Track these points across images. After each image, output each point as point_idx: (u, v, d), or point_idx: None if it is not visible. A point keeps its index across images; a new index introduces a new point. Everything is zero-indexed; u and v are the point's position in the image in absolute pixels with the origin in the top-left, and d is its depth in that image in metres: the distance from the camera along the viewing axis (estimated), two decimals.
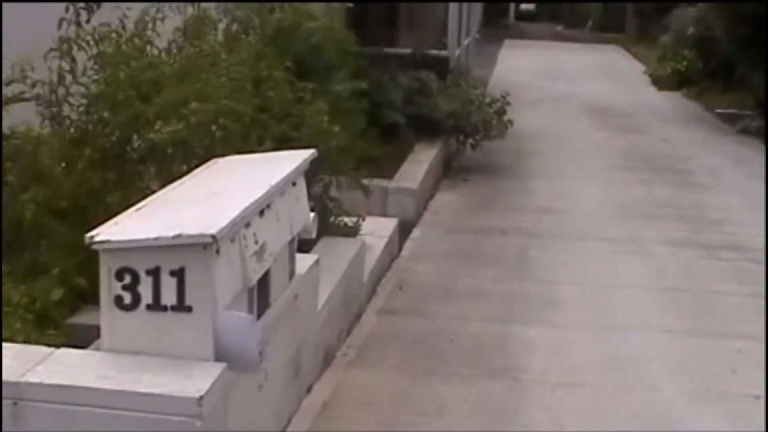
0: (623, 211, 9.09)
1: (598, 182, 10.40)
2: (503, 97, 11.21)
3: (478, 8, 26.37)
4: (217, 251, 3.04)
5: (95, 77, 4.32)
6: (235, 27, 5.34)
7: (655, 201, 9.55)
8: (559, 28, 47.01)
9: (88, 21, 4.33)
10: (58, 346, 3.16)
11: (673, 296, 6.58)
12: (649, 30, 31.26)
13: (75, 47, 4.26)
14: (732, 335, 5.82)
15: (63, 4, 4.32)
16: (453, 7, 11.99)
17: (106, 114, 4.27)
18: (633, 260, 7.42)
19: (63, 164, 4.16)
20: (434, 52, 11.69)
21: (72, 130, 4.28)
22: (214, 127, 4.22)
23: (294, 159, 4.11)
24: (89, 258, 3.20)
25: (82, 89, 4.36)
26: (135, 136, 4.16)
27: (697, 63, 19.80)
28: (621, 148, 12.70)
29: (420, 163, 9.32)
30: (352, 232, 6.27)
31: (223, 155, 4.23)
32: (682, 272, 7.15)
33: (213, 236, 2.96)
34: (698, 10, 18.97)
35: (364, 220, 6.50)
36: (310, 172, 5.43)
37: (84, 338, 3.49)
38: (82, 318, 3.94)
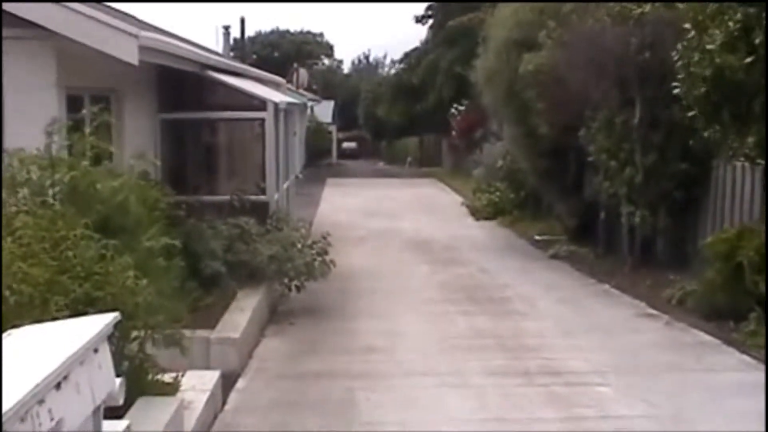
0: (446, 344, 9.29)
1: (422, 317, 10.63)
2: (324, 237, 11.39)
3: (299, 149, 27.02)
4: None
5: None
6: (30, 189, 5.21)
7: (476, 332, 9.84)
8: (381, 164, 48.90)
9: None
10: None
11: (495, 427, 6.71)
12: (464, 163, 33.05)
13: None
14: None
15: None
16: (270, 151, 12.21)
17: None
18: (456, 394, 7.55)
19: None
20: (253, 197, 11.78)
21: None
22: (7, 293, 4.04)
23: (95, 324, 3.96)
24: None
25: None
26: None
27: (508, 193, 21.00)
28: (442, 282, 13.10)
29: (243, 311, 9.22)
30: (171, 389, 6.06)
31: (20, 325, 4.05)
32: (502, 402, 7.32)
33: None
34: (504, 144, 20.24)
35: (183, 375, 6.32)
36: (123, 331, 5.29)
37: None
38: None
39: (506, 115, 16.84)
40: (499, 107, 17.15)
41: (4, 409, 2.83)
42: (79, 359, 3.62)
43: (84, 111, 7.48)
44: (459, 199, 25.33)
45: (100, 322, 4.02)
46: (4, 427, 2.83)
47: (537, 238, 17.01)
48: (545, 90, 13.59)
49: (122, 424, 4.54)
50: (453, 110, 33.03)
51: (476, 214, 21.69)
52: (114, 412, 4.35)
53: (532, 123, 14.69)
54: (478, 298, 11.81)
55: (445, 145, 40.45)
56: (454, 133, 33.59)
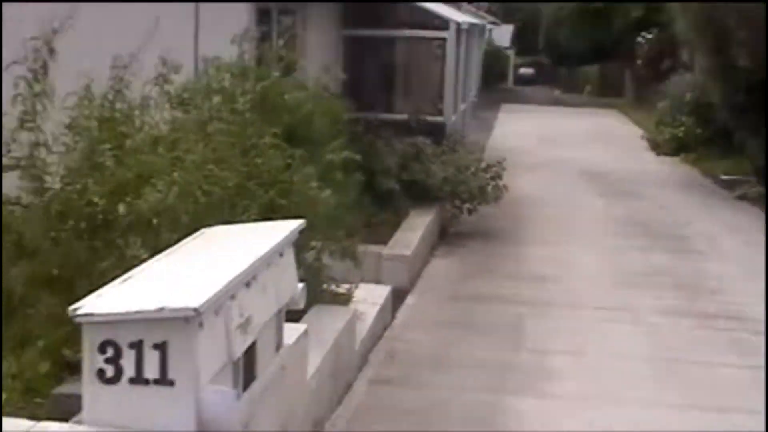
0: (619, 278, 9.04)
1: (595, 249, 10.37)
2: (499, 162, 11.25)
3: (476, 73, 26.70)
4: (201, 324, 3.01)
5: (71, 146, 4.30)
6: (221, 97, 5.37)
7: (651, 269, 9.50)
8: (557, 92, 47.49)
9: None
10: (42, 418, 3.12)
11: (669, 368, 6.49)
12: (647, 95, 31.62)
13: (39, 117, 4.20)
14: (730, 410, 5.71)
15: None
16: (449, 73, 12.12)
17: (88, 183, 4.23)
18: (628, 330, 7.35)
19: (50, 235, 4.12)
20: (430, 118, 11.76)
21: (55, 201, 4.24)
22: (198, 193, 4.21)
23: (282, 230, 4.08)
24: (75, 330, 3.17)
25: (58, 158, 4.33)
26: (120, 205, 4.11)
27: (695, 129, 19.93)
28: (618, 215, 12.70)
29: (415, 229, 9.31)
30: (344, 299, 6.23)
31: (211, 225, 4.22)
32: (678, 343, 7.07)
33: (195, 309, 2.93)
34: (695, 76, 19.18)
35: (356, 287, 6.47)
36: (302, 240, 5.45)
37: (69, 409, 3.44)
38: (68, 389, 3.89)
39: (701, 44, 15.87)
40: (692, 35, 16.17)
41: (201, 301, 2.97)
42: (267, 261, 3.74)
43: (273, 23, 7.64)
44: (639, 132, 24.32)
45: (286, 228, 4.13)
46: (201, 318, 2.98)
47: (723, 177, 16.11)
48: (748, 16, 12.64)
49: (300, 327, 4.70)
50: (640, 38, 31.49)
51: (657, 148, 20.77)
52: (292, 316, 4.51)
53: (730, 53, 13.76)
54: (655, 233, 11.38)
55: (628, 75, 38.76)
56: (639, 62, 32.09)
